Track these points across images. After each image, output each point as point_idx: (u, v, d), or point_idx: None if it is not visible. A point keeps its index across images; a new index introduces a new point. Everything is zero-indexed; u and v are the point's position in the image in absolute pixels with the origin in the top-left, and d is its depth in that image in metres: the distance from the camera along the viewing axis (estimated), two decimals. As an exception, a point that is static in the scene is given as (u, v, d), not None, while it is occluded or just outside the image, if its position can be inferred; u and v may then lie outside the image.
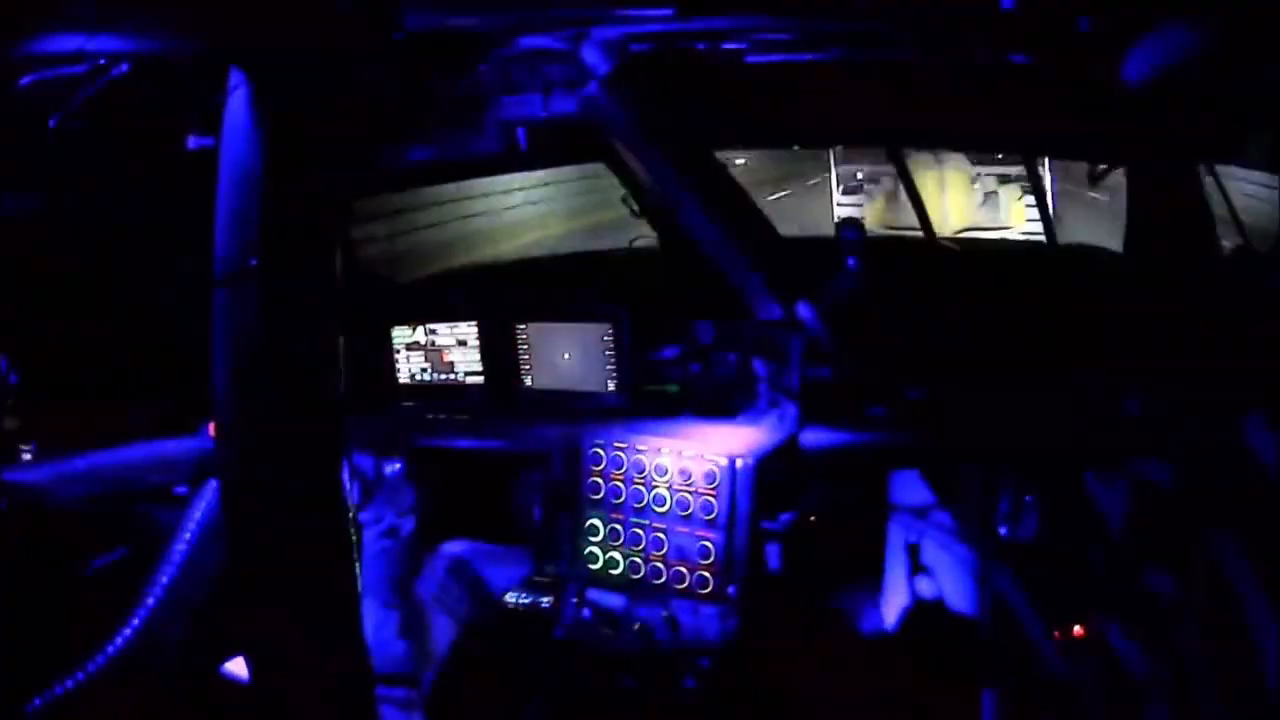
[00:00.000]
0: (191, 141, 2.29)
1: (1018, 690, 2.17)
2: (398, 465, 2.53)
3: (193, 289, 2.72)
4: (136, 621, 1.48)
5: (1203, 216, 2.55)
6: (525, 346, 2.74)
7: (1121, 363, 2.23)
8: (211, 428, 1.34)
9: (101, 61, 1.74)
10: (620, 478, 2.30)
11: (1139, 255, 2.84)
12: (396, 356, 2.93)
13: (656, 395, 2.60)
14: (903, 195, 3.70)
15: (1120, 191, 2.87)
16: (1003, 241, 4.88)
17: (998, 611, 2.25)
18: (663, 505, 2.24)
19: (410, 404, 2.88)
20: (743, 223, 2.39)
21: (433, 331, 2.88)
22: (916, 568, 2.43)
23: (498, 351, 2.80)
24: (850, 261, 2.39)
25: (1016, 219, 5.90)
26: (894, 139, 3.55)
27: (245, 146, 1.23)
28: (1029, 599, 2.18)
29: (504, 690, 2.41)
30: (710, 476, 2.19)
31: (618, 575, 2.28)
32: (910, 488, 2.44)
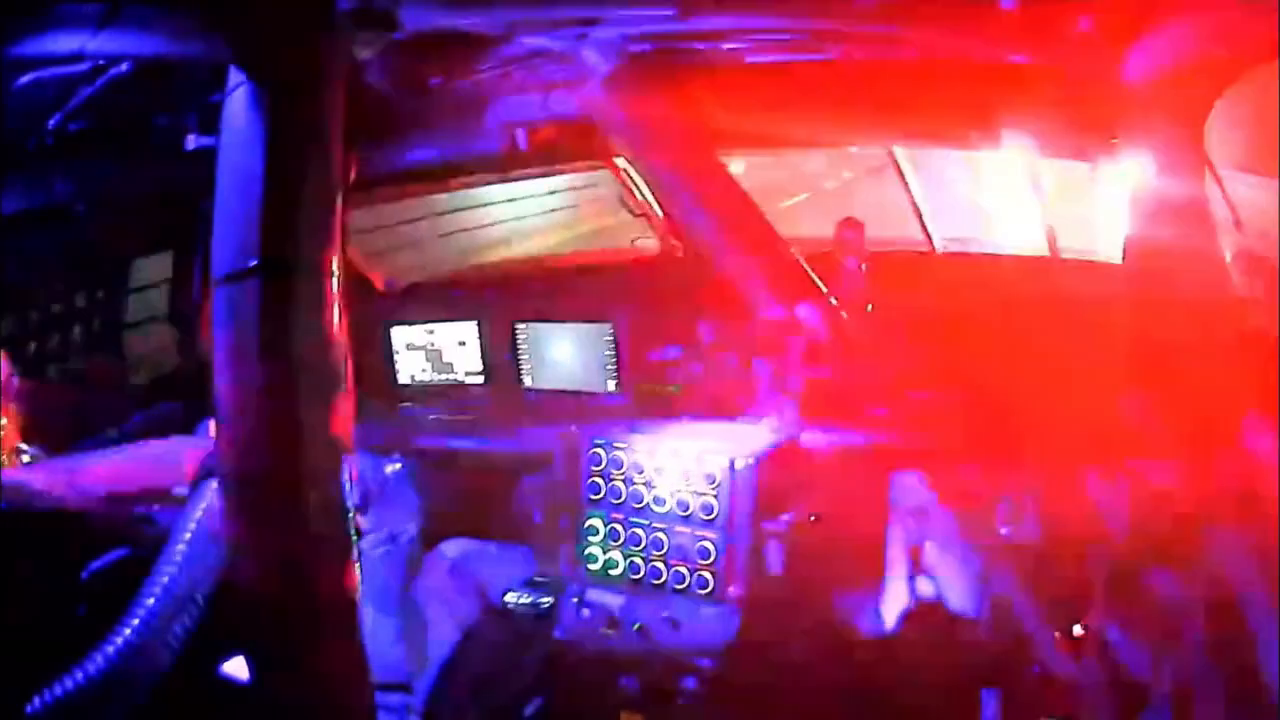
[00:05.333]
0: (192, 141, 2.30)
1: (1018, 690, 2.17)
2: (398, 466, 2.53)
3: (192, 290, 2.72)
4: (136, 621, 1.47)
5: (1202, 216, 2.54)
6: (525, 346, 2.74)
7: (1121, 362, 2.23)
8: (211, 428, 1.34)
9: (101, 61, 1.75)
10: (620, 478, 2.30)
11: (1138, 256, 2.84)
12: (396, 356, 2.93)
13: (656, 395, 2.60)
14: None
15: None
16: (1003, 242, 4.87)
17: (998, 611, 2.25)
18: (663, 505, 2.24)
19: (410, 404, 2.88)
20: (743, 223, 2.39)
21: (432, 331, 2.88)
22: (916, 568, 2.43)
23: (498, 351, 2.80)
24: (850, 261, 2.39)
25: None
26: (894, 139, 3.55)
27: (245, 146, 1.23)
28: (1029, 599, 2.18)
29: (504, 690, 2.41)
30: (710, 476, 2.19)
31: (618, 575, 2.28)
32: (910, 488, 2.43)
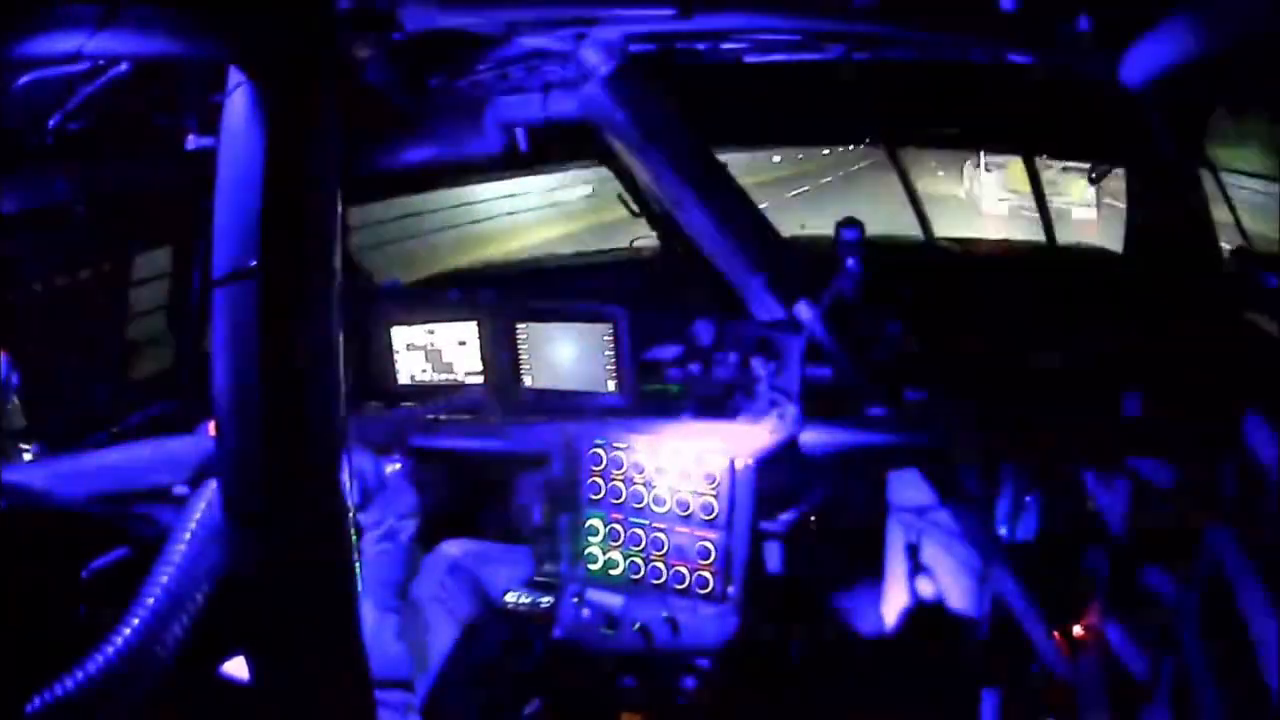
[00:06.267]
0: (191, 141, 2.30)
1: (1018, 690, 2.17)
2: (398, 465, 2.53)
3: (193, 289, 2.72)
4: (136, 621, 1.47)
5: (1203, 216, 2.55)
6: (525, 346, 2.74)
7: (1121, 362, 2.23)
8: (211, 428, 1.34)
9: (101, 61, 1.74)
10: (620, 478, 2.30)
11: (1139, 255, 2.84)
12: (396, 356, 2.93)
13: (656, 395, 2.60)
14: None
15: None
16: (1003, 242, 4.90)
17: (998, 611, 2.25)
18: (663, 505, 2.24)
19: (410, 404, 2.88)
20: (743, 223, 2.39)
21: (432, 331, 2.88)
22: (916, 568, 2.43)
23: (498, 351, 2.79)
24: (850, 261, 2.39)
25: (1077, 194, 11.27)
26: (894, 139, 3.55)
27: (245, 146, 1.23)
28: (1029, 599, 2.18)
29: (504, 690, 2.41)
30: (710, 476, 2.19)
31: (618, 575, 2.28)
32: (910, 488, 2.44)
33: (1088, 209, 11.27)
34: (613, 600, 2.28)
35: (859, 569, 2.49)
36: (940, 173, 16.97)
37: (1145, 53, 1.63)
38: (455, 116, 2.46)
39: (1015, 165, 12.45)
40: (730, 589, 2.16)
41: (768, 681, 2.24)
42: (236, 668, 1.58)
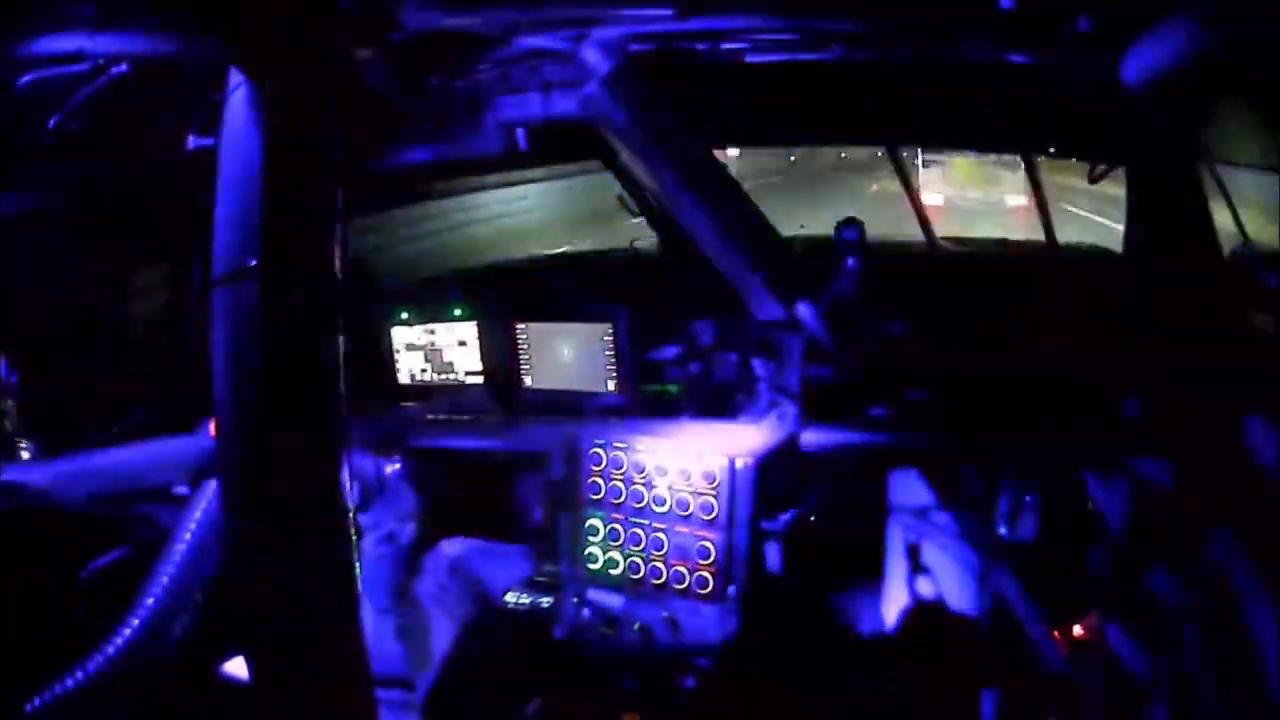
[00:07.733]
0: (191, 141, 2.30)
1: (1018, 690, 2.17)
2: (398, 465, 2.53)
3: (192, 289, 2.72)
4: (136, 621, 1.48)
5: (1202, 216, 2.54)
6: (525, 346, 2.74)
7: (1121, 362, 2.23)
8: (211, 427, 1.34)
9: (101, 61, 1.75)
10: (620, 478, 2.30)
11: (1138, 255, 2.84)
12: (396, 356, 2.93)
13: (656, 395, 2.60)
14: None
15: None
16: (1003, 241, 4.89)
17: (998, 611, 2.25)
18: (663, 505, 2.24)
19: (410, 404, 2.88)
20: (743, 223, 2.38)
21: (433, 331, 2.88)
22: (916, 568, 2.43)
23: (498, 351, 2.80)
24: (850, 261, 2.38)
25: (1010, 184, 13.33)
26: (894, 139, 3.55)
27: (245, 146, 1.23)
28: (1029, 599, 2.18)
29: (504, 690, 2.41)
30: (710, 476, 2.19)
31: (618, 575, 2.28)
32: (910, 488, 2.44)
33: (1019, 196, 13.29)
34: (613, 600, 2.28)
35: (859, 568, 2.49)
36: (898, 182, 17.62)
37: (1145, 53, 1.63)
38: (455, 116, 2.46)
39: (957, 161, 14.82)
40: (730, 589, 2.16)
41: (768, 681, 2.24)
42: (236, 668, 1.58)
